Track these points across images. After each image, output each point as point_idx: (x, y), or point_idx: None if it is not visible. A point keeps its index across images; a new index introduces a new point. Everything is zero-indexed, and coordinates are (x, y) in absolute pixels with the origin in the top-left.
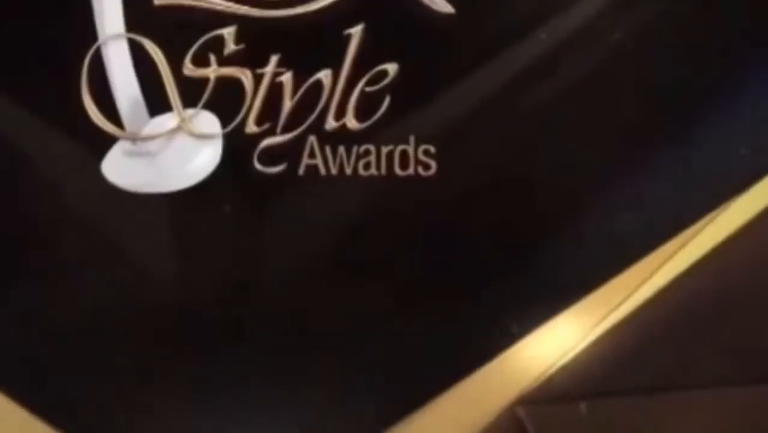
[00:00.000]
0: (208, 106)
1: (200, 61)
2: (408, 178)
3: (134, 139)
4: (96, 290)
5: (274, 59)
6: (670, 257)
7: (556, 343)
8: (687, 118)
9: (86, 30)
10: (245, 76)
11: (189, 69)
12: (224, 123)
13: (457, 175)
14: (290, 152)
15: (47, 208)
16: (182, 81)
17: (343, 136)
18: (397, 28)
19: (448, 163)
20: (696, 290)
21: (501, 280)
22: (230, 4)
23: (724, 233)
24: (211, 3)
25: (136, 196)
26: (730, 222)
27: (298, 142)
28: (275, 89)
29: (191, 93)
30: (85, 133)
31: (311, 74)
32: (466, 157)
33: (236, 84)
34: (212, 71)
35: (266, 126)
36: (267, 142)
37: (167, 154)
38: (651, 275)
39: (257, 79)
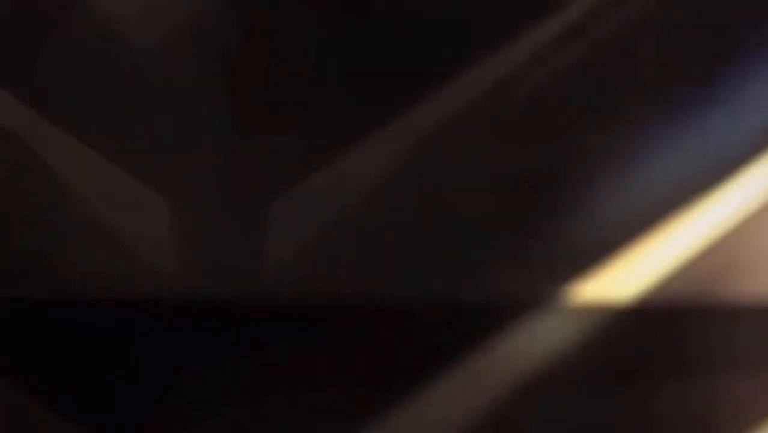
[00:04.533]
0: None
1: None
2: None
3: None
4: (96, 284)
5: None
6: (664, 243)
7: (544, 330)
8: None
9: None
10: None
11: None
12: None
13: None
14: None
15: (49, 201)
16: None
17: None
18: None
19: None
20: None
21: (494, 266)
22: None
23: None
24: None
25: (139, 188)
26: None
27: None
28: None
29: None
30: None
31: None
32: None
33: None
34: None
35: None
36: None
37: None
38: (641, 264)
39: None
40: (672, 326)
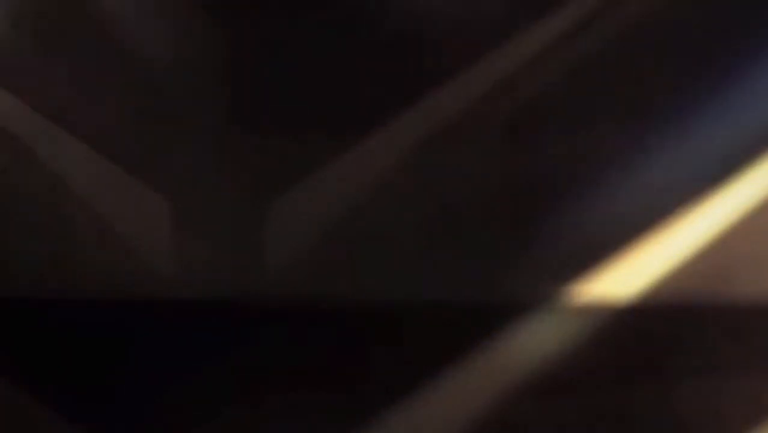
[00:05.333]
0: None
1: None
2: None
3: None
4: (96, 283)
5: None
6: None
7: (544, 330)
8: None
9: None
10: None
11: None
12: None
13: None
14: None
15: (49, 201)
16: None
17: None
18: None
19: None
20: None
21: (494, 266)
22: None
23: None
24: None
25: (140, 189)
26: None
27: None
28: None
29: None
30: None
31: None
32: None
33: None
34: None
35: None
36: None
37: None
38: (641, 264)
39: None
40: (672, 325)
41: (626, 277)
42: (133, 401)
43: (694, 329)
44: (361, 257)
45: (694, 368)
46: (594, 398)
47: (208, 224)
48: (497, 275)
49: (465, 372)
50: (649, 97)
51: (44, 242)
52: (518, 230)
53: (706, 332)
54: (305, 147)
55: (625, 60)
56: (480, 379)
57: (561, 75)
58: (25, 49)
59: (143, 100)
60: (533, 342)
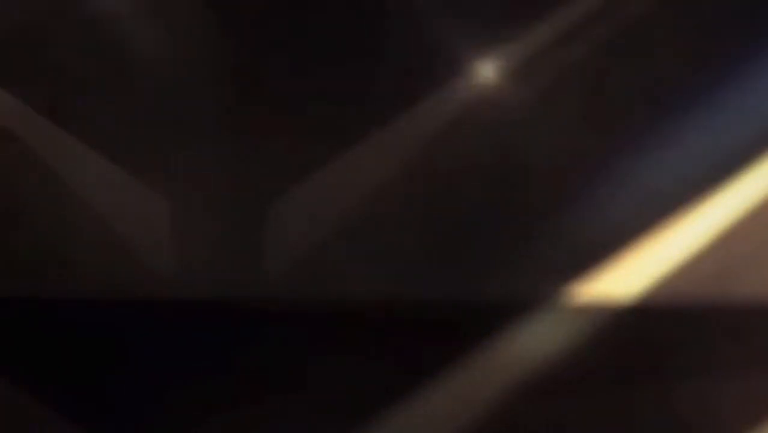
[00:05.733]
0: None
1: None
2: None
3: None
4: (96, 283)
5: None
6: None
7: (544, 330)
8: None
9: None
10: None
11: None
12: None
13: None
14: None
15: (49, 201)
16: None
17: None
18: None
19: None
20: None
21: (494, 266)
22: None
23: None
24: None
25: (140, 189)
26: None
27: None
28: None
29: None
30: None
31: None
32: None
33: None
34: None
35: None
36: None
37: None
38: (641, 264)
39: None
40: (672, 325)
41: (626, 277)
42: (133, 401)
43: (694, 329)
44: (361, 257)
45: (694, 368)
46: (594, 398)
47: (208, 224)
48: (497, 274)
49: (465, 372)
50: (649, 97)
51: (44, 242)
52: (518, 229)
53: (706, 332)
54: (305, 147)
55: (624, 60)
56: (480, 379)
57: (560, 75)
58: (25, 49)
59: (143, 100)
60: (533, 342)
